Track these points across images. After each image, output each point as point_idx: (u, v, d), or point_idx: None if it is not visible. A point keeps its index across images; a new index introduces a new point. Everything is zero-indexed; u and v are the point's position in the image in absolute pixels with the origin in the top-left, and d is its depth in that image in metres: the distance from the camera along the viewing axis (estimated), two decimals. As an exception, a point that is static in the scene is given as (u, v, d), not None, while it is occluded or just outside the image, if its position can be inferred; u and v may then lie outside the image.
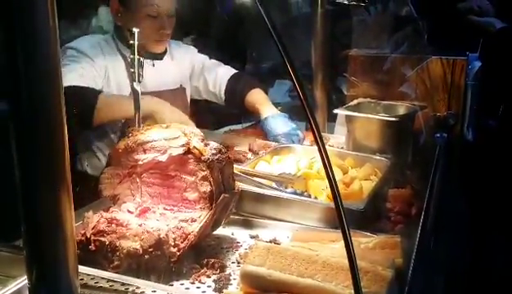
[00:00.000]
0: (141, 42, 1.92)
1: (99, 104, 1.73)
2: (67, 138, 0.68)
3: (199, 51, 2.36)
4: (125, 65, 2.00)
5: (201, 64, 2.32)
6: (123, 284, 1.05)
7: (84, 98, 1.73)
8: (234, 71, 2.34)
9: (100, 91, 1.81)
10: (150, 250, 1.08)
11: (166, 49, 2.14)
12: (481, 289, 2.44)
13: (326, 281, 0.93)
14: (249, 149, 1.98)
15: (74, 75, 1.80)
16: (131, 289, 1.05)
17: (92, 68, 1.89)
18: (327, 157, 0.75)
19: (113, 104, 1.85)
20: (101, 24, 2.72)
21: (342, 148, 2.06)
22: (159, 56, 2.11)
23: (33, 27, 0.63)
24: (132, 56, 1.39)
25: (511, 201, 2.52)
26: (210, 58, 2.37)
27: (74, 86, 1.72)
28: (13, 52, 0.63)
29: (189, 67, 2.30)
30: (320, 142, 0.75)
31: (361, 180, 1.62)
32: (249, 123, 2.48)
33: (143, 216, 1.20)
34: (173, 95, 2.13)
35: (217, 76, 2.30)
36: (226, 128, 2.48)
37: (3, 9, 0.61)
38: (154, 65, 2.07)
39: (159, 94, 1.99)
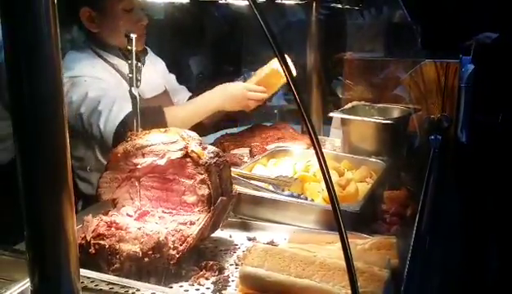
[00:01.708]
0: (122, 44, 1.85)
1: (168, 118, 1.77)
2: (68, 143, 0.70)
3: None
4: (112, 71, 1.96)
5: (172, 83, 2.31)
6: (122, 287, 1.06)
7: (155, 119, 1.73)
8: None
9: (160, 106, 1.83)
10: (150, 253, 1.09)
11: (146, 49, 2.11)
12: (475, 288, 2.47)
13: (324, 281, 0.94)
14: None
15: (125, 103, 1.74)
16: (130, 291, 1.06)
17: (116, 90, 1.86)
18: (324, 160, 0.76)
19: (178, 113, 1.89)
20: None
21: (337, 149, 2.09)
22: (141, 59, 2.03)
23: (34, 33, 0.64)
24: (130, 61, 1.40)
25: (505, 202, 2.55)
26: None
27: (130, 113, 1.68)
28: (15, 55, 0.64)
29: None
30: (317, 145, 0.76)
31: (357, 182, 1.63)
32: (245, 127, 2.49)
33: (142, 220, 1.21)
34: (161, 101, 2.08)
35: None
36: (223, 132, 2.49)
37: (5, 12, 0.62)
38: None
39: (147, 101, 1.97)
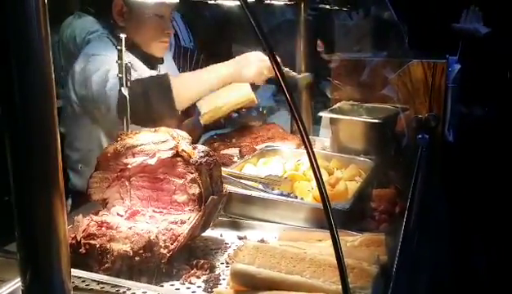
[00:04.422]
0: (144, 46, 1.93)
1: (174, 85, 1.69)
2: (59, 143, 0.70)
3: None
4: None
5: None
6: (113, 286, 1.06)
7: (158, 85, 1.69)
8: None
9: (166, 74, 1.77)
10: (141, 252, 1.09)
11: (163, 59, 2.08)
12: (463, 284, 2.50)
13: (314, 277, 0.96)
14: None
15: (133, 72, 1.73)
16: (122, 291, 1.06)
17: None
18: (315, 159, 0.77)
19: (187, 79, 1.84)
20: (75, 31, 2.69)
21: (327, 148, 2.10)
22: (156, 65, 2.04)
23: (26, 36, 0.64)
24: (119, 61, 1.40)
25: (490, 199, 2.59)
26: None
27: (139, 79, 1.68)
28: (6, 59, 0.64)
29: None
30: (308, 144, 0.77)
31: (346, 180, 1.65)
32: (236, 127, 2.50)
33: (133, 219, 1.21)
34: None
35: None
36: (212, 132, 2.49)
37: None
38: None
39: None
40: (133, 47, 1.93)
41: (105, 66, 1.76)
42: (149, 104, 1.64)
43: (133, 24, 1.88)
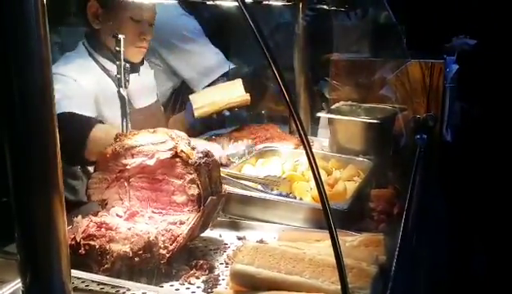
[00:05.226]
0: (114, 47, 1.90)
1: (93, 134, 1.56)
2: (59, 144, 0.70)
3: None
4: (101, 71, 1.89)
5: None
6: (113, 287, 1.06)
7: (78, 127, 1.58)
8: None
9: (98, 121, 1.65)
10: (140, 252, 1.09)
11: (143, 60, 2.06)
12: (461, 284, 2.51)
13: (313, 278, 0.96)
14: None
15: (67, 102, 1.65)
16: (121, 291, 1.06)
17: (80, 91, 1.76)
18: (314, 159, 0.78)
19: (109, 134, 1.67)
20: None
21: (325, 148, 2.10)
22: (136, 68, 1.99)
23: (25, 36, 0.64)
24: (118, 62, 1.40)
25: (488, 198, 2.60)
26: None
27: (67, 113, 1.58)
28: (6, 59, 0.64)
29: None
30: (307, 145, 0.77)
31: (345, 181, 1.65)
32: (234, 127, 2.50)
33: (132, 220, 1.21)
34: (150, 112, 2.07)
35: None
36: (211, 133, 2.49)
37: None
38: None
39: (138, 110, 1.96)
40: (106, 50, 1.88)
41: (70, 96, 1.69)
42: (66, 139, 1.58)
43: (107, 28, 1.83)
